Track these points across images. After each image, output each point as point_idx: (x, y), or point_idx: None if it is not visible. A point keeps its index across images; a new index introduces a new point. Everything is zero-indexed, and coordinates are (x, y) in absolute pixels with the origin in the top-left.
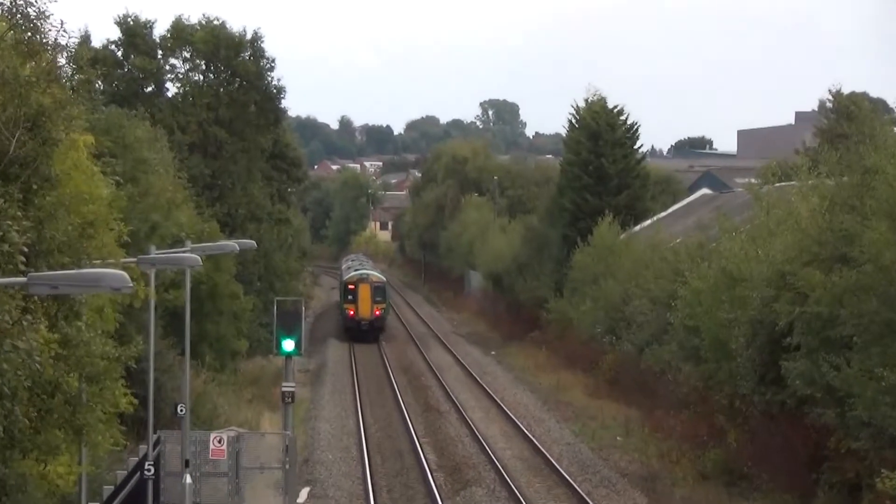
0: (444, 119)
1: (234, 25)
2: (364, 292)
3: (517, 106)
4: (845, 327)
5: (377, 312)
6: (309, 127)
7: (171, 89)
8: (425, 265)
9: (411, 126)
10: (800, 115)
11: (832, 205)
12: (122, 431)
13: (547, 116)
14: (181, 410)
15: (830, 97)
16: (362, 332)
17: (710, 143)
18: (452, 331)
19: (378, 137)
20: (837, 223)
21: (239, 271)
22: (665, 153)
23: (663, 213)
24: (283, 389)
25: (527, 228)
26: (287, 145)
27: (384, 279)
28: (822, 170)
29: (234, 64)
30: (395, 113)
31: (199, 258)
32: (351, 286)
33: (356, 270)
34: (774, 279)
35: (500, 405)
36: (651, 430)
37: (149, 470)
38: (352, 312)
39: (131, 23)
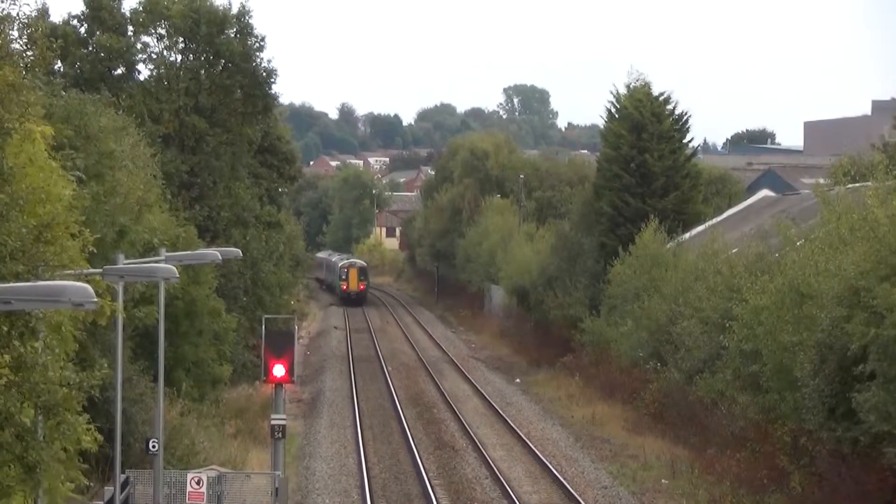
0: (461, 108)
1: None
2: (353, 273)
3: (547, 93)
4: None
5: (361, 287)
6: (304, 116)
7: (144, 72)
8: (439, 278)
9: (423, 116)
10: (877, 105)
11: None
12: (85, 472)
13: (581, 105)
14: (153, 447)
15: None
16: (352, 300)
17: (773, 136)
18: (470, 355)
19: (384, 129)
20: None
21: (221, 284)
22: (720, 148)
23: (717, 219)
24: (273, 423)
25: (557, 236)
26: (278, 138)
27: (366, 265)
28: None
29: (217, 43)
30: (404, 100)
31: (174, 269)
32: (344, 269)
33: (347, 260)
34: (846, 296)
35: (525, 442)
36: (701, 472)
37: None
38: (345, 287)
39: None
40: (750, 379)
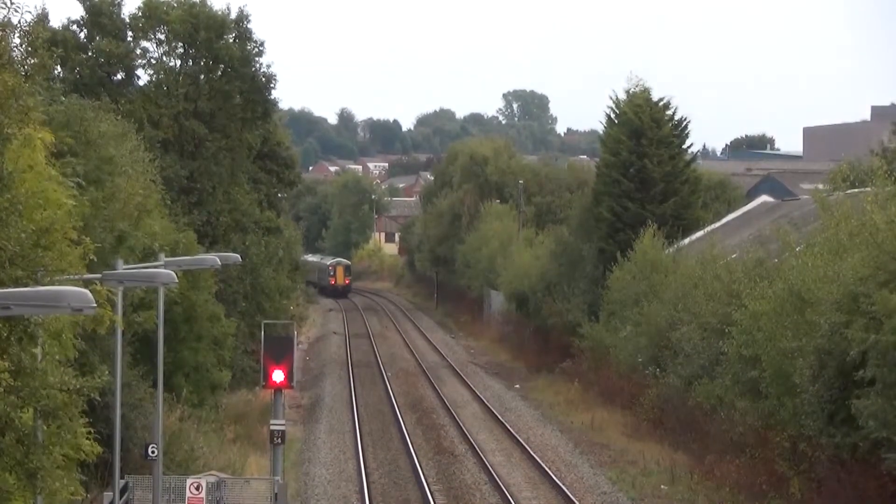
0: (460, 113)
1: (217, 3)
2: (339, 270)
3: (546, 98)
4: None
5: (346, 281)
6: (303, 122)
7: (143, 77)
8: (438, 284)
9: (422, 121)
10: (876, 111)
11: None
12: (83, 479)
13: (581, 110)
14: (153, 452)
15: None
16: (339, 292)
17: (772, 142)
18: (470, 360)
19: (384, 134)
20: None
21: (220, 289)
22: (719, 154)
23: (716, 224)
24: (272, 428)
25: (557, 241)
26: (278, 143)
27: (349, 263)
28: None
29: (216, 48)
30: (403, 106)
31: (174, 274)
32: (332, 267)
33: (334, 259)
34: (845, 302)
35: (524, 447)
36: (701, 478)
37: None
38: (333, 282)
39: None
40: (749, 385)
